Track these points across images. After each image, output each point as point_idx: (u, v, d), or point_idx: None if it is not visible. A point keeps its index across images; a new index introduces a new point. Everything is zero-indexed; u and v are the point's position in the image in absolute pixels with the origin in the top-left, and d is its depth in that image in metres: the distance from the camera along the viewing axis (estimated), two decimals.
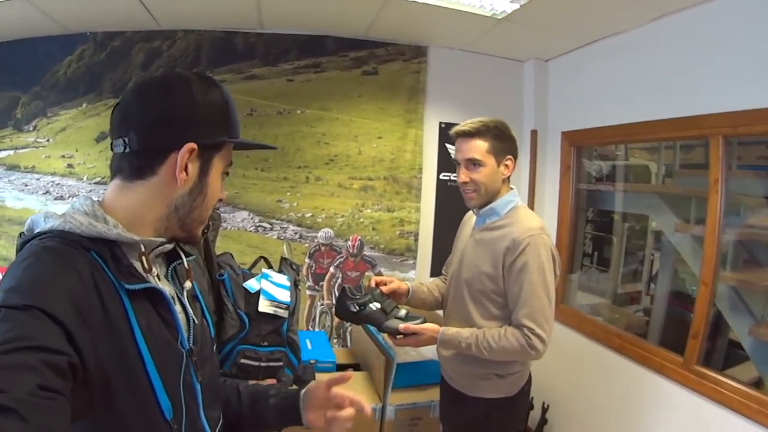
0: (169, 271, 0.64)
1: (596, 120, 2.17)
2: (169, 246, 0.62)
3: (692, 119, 1.66)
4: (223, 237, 2.25)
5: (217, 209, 1.19)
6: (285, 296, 1.22)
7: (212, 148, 0.59)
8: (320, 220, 2.27)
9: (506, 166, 1.23)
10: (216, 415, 0.67)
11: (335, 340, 2.30)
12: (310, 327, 2.29)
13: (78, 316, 0.45)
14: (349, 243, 2.28)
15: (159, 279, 0.60)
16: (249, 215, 2.25)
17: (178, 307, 0.61)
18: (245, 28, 2.30)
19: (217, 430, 0.66)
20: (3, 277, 0.48)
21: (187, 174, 0.57)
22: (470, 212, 1.37)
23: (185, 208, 0.59)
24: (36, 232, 0.53)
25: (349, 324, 2.28)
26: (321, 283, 2.28)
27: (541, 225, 1.20)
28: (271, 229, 2.24)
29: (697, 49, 1.66)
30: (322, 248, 2.27)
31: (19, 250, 0.53)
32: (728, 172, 1.61)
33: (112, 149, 0.59)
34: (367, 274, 2.29)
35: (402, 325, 1.20)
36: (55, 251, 0.49)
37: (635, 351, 1.82)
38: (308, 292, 2.28)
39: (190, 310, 0.62)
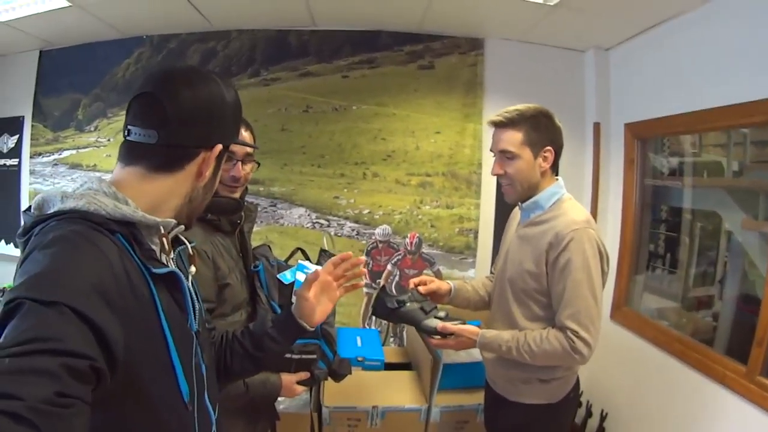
0: (175, 255, 0.64)
1: (660, 110, 2.06)
2: (182, 228, 0.64)
3: (760, 103, 1.53)
4: (281, 233, 2.25)
5: (252, 202, 1.20)
6: None
7: (226, 149, 0.63)
8: (378, 216, 2.24)
9: (545, 158, 1.14)
10: (216, 396, 0.68)
11: (392, 339, 2.27)
12: (366, 325, 2.26)
13: (107, 306, 0.43)
14: (407, 240, 2.24)
15: (170, 262, 0.62)
16: (306, 212, 2.24)
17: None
18: (298, 26, 2.30)
19: (216, 410, 0.67)
20: (26, 260, 0.45)
21: (203, 172, 0.60)
22: (516, 208, 1.29)
23: (198, 200, 0.62)
24: (53, 211, 0.49)
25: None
26: (378, 281, 2.25)
27: (586, 218, 1.11)
28: (328, 226, 2.23)
29: (757, 26, 1.54)
30: (380, 245, 2.24)
31: (29, 229, 0.50)
32: None
33: (126, 136, 0.57)
34: (425, 272, 2.24)
35: (440, 324, 1.15)
36: (84, 236, 0.47)
37: (697, 358, 1.71)
38: (365, 290, 2.25)
39: (195, 294, 0.63)
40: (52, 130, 2.66)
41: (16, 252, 2.91)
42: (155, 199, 0.57)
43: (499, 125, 1.16)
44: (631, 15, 2.00)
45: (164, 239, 0.60)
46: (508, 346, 1.11)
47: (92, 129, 2.61)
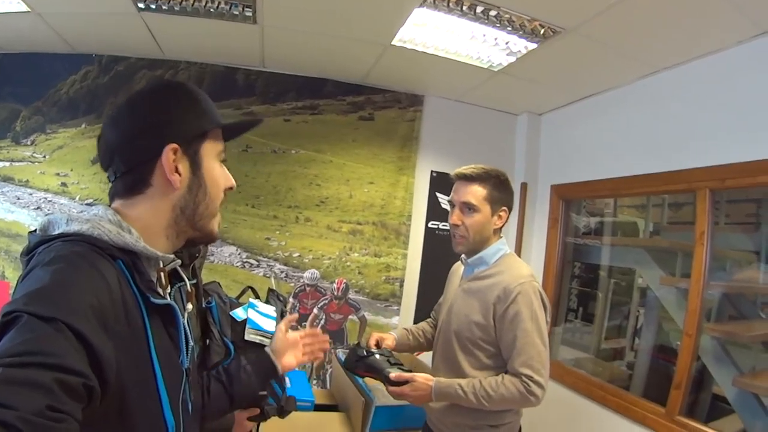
0: (173, 291, 0.64)
1: (586, 174, 2.21)
2: (179, 262, 0.63)
3: (680, 173, 1.71)
4: (210, 270, 2.26)
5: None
6: (271, 326, 1.24)
7: (195, 141, 0.60)
8: (307, 260, 2.28)
9: (500, 216, 1.23)
10: None
11: (314, 381, 2.30)
12: None
13: (103, 329, 0.44)
14: (335, 285, 2.29)
15: (170, 296, 0.62)
16: (237, 250, 2.26)
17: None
18: (247, 65, 2.34)
19: None
20: (27, 276, 0.46)
21: (180, 174, 0.58)
22: (458, 263, 1.37)
23: (190, 207, 0.59)
24: (57, 233, 0.51)
25: (329, 365, 2.28)
26: (304, 324, 2.29)
27: (530, 272, 1.20)
28: (258, 266, 2.26)
29: (685, 104, 1.71)
30: (307, 289, 2.28)
31: (32, 248, 0.51)
32: (715, 226, 1.64)
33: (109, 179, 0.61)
34: (350, 317, 2.30)
35: (393, 374, 1.21)
36: (85, 258, 0.48)
37: (617, 402, 1.82)
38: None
39: (189, 332, 0.63)
40: None
41: None
42: (143, 222, 0.57)
43: (465, 178, 1.23)
44: (568, 84, 2.15)
45: (161, 273, 0.59)
46: (465, 392, 1.15)
47: (29, 143, 2.53)
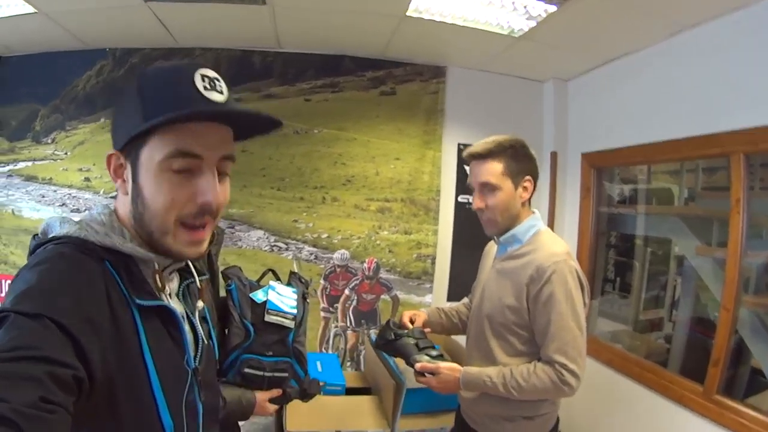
0: (181, 289, 0.62)
1: (616, 141, 2.13)
2: (181, 263, 0.60)
3: (712, 137, 1.62)
4: (238, 255, 2.23)
5: (218, 226, 1.19)
6: (291, 307, 1.21)
7: (134, 145, 0.51)
8: (336, 241, 2.24)
9: (524, 188, 1.13)
10: None
11: (348, 363, 2.27)
12: (323, 349, 2.26)
13: (88, 325, 0.44)
14: (365, 265, 2.25)
15: (171, 297, 0.59)
16: (264, 234, 2.23)
17: (187, 326, 0.59)
18: (263, 47, 2.30)
19: None
20: (15, 279, 0.47)
21: (124, 180, 0.53)
22: (491, 242, 1.29)
23: (137, 218, 0.53)
24: (51, 236, 0.52)
25: (362, 346, 2.24)
26: (335, 305, 2.25)
27: (566, 250, 1.11)
28: (287, 249, 2.23)
29: (715, 64, 1.62)
30: (338, 270, 2.24)
31: (31, 252, 0.52)
32: (750, 192, 1.56)
33: None
34: (383, 297, 2.25)
35: (418, 364, 1.16)
36: (70, 258, 0.49)
37: (654, 380, 1.77)
38: (322, 314, 2.25)
39: (200, 330, 0.61)
40: (8, 140, 2.57)
41: None
42: (126, 223, 0.54)
43: (477, 157, 1.14)
44: (592, 48, 2.06)
45: (158, 276, 0.55)
46: (494, 382, 1.09)
47: (49, 141, 2.54)
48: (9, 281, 2.58)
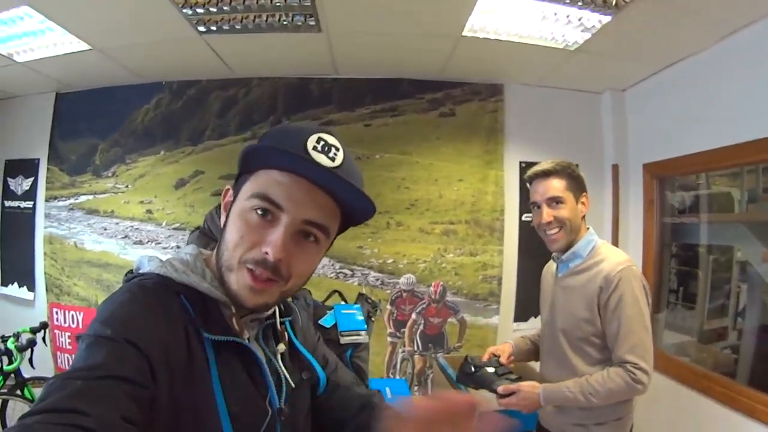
0: (259, 332, 0.60)
1: (677, 149, 2.08)
2: (260, 314, 0.58)
3: None
4: None
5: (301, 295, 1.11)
6: (360, 322, 1.23)
7: (239, 183, 0.55)
8: (402, 266, 2.24)
9: (583, 203, 1.24)
10: None
11: (416, 387, 2.25)
12: (390, 374, 2.25)
13: (163, 354, 0.46)
14: (432, 289, 2.24)
15: (249, 341, 0.57)
16: (330, 261, 2.24)
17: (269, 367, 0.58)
18: (320, 74, 2.32)
19: None
20: (98, 308, 0.50)
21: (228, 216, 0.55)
22: (549, 263, 1.37)
23: (218, 254, 0.54)
24: (138, 272, 0.56)
25: (430, 370, 2.23)
26: (402, 330, 2.25)
27: (627, 257, 1.20)
28: (353, 275, 2.23)
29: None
30: (404, 294, 2.23)
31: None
32: None
33: None
34: (450, 320, 2.24)
35: (501, 387, 1.22)
36: (150, 291, 0.51)
37: (723, 393, 1.72)
38: (389, 339, 2.25)
39: (284, 372, 0.59)
40: (68, 174, 2.65)
41: (30, 295, 2.84)
42: (210, 263, 0.57)
43: (540, 175, 1.24)
44: (647, 56, 2.03)
45: (234, 319, 0.54)
46: (573, 392, 1.16)
47: (110, 174, 2.60)
48: (73, 312, 2.67)
